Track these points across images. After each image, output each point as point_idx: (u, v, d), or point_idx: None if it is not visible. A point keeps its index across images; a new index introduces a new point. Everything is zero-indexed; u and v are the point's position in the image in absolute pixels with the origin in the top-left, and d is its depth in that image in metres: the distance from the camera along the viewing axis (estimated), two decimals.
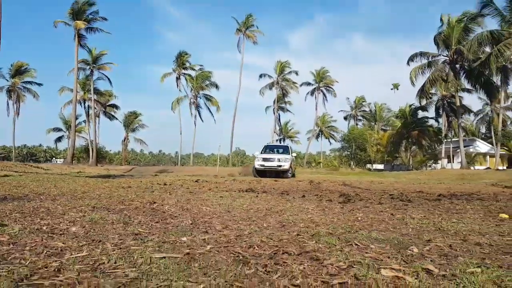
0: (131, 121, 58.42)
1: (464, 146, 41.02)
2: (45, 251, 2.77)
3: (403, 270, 2.16)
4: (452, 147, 47.62)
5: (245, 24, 48.60)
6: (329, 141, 65.63)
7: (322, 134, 62.96)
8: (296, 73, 53.70)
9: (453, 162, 48.65)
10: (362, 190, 10.94)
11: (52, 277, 2.16)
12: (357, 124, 61.96)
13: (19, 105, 48.90)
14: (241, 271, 2.21)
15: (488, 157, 52.22)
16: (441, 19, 37.69)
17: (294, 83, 54.05)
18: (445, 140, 49.38)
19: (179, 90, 50.81)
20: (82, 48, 39.22)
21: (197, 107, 51.29)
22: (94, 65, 44.20)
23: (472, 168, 40.95)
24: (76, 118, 43.08)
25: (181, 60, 50.24)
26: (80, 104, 50.05)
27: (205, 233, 3.46)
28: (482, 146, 54.42)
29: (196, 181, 14.04)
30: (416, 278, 2.04)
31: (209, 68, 53.12)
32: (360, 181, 17.94)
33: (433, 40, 37.75)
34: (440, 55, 38.27)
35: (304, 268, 2.25)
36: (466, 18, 35.72)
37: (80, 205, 5.63)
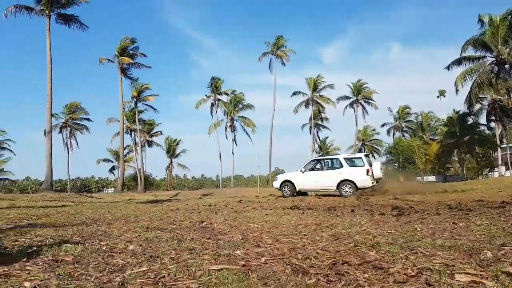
0: (173, 148, 60.36)
1: None
2: (107, 268, 2.86)
3: (480, 275, 1.99)
4: (510, 153, 44.35)
5: (276, 45, 49.18)
6: (373, 156, 63.26)
7: (364, 148, 61.14)
8: (331, 86, 52.87)
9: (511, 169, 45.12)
10: (415, 203, 10.40)
11: (121, 285, 2.20)
12: (403, 136, 59.39)
13: (71, 141, 52.50)
14: (302, 281, 2.15)
15: None
16: (480, 20, 35.93)
17: (329, 99, 53.27)
18: (501, 146, 46.15)
19: (216, 114, 52.03)
20: (126, 80, 41.62)
21: (233, 130, 52.07)
22: (138, 97, 46.60)
23: None
24: (124, 148, 45.30)
25: (214, 85, 51.63)
26: (129, 134, 52.68)
27: (257, 246, 3.41)
28: None
29: (239, 201, 14.08)
30: (496, 282, 1.87)
31: (242, 91, 53.63)
32: (412, 194, 17.04)
33: (472, 42, 35.95)
34: (485, 57, 36.38)
35: (369, 276, 2.14)
36: (511, 16, 33.82)
37: (134, 227, 5.80)
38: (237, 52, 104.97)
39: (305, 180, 18.22)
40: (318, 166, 18.41)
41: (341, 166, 17.17)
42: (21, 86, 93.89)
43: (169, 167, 60.84)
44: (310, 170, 18.31)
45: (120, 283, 2.32)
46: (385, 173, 18.71)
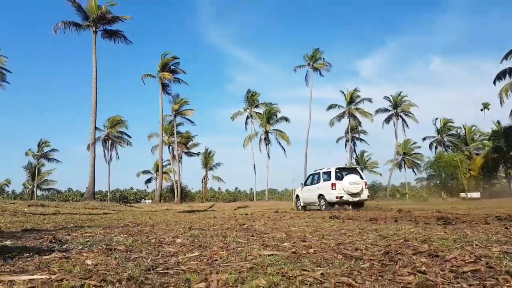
0: (208, 160, 61.37)
1: None
2: (160, 254, 2.99)
3: None
4: None
5: (312, 58, 49.18)
6: (414, 171, 60.85)
7: (404, 163, 59.09)
8: (370, 100, 51.86)
9: None
10: (461, 215, 9.95)
11: (174, 267, 2.30)
12: (445, 150, 56.81)
13: (111, 154, 54.88)
14: (356, 264, 2.15)
15: None
16: None
17: (367, 112, 52.22)
18: None
19: (251, 127, 52.51)
20: (165, 95, 43.21)
21: (268, 143, 52.18)
22: (178, 111, 48.13)
23: None
24: (163, 161, 46.69)
25: (251, 98, 52.24)
26: (168, 147, 54.31)
27: (303, 241, 3.43)
28: None
29: (275, 212, 14.07)
30: None
31: (277, 105, 53.73)
32: (457, 208, 16.31)
33: (509, 52, 34.16)
34: None
35: (426, 261, 2.11)
36: None
37: (177, 228, 5.96)
38: (273, 66, 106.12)
39: (302, 195, 17.82)
40: (312, 180, 17.42)
41: (318, 180, 16.31)
42: (63, 99, 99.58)
43: (204, 179, 61.81)
44: (306, 185, 17.71)
45: (176, 263, 2.42)
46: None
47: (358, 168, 16.25)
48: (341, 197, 14.75)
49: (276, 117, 52.27)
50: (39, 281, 1.99)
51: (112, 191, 69.30)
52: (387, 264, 2.07)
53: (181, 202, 44.34)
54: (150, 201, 60.03)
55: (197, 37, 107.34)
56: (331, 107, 52.01)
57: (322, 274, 1.87)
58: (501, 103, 35.27)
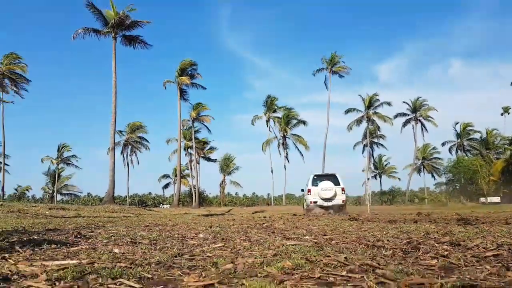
0: (227, 165, 61.65)
1: None
2: (184, 245, 3.08)
3: None
4: None
5: (331, 61, 48.97)
6: (433, 175, 59.60)
7: (424, 167, 57.96)
8: (389, 104, 51.11)
9: None
10: (481, 218, 9.76)
11: (200, 254, 2.38)
12: (466, 154, 55.49)
13: (131, 159, 55.85)
14: (378, 252, 2.18)
15: None
16: None
17: (386, 116, 51.59)
18: None
19: (269, 131, 52.59)
20: (184, 102, 43.82)
21: (285, 147, 52.08)
22: (196, 117, 48.68)
23: None
24: (181, 166, 47.18)
25: (270, 103, 52.37)
26: (185, 152, 54.91)
27: (324, 235, 3.46)
28: None
29: (293, 215, 14.05)
30: None
31: (295, 110, 53.72)
32: (477, 212, 15.95)
33: None
34: None
35: (448, 248, 2.13)
36: None
37: (198, 227, 6.06)
38: (291, 72, 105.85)
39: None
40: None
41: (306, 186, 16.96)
42: (83, 105, 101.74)
43: (222, 184, 62.04)
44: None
45: (201, 251, 2.49)
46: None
47: (337, 175, 16.51)
48: (315, 202, 15.90)
49: (294, 122, 52.16)
50: (71, 264, 2.10)
51: (131, 196, 70.36)
52: (410, 252, 2.10)
53: (199, 207, 44.63)
54: (168, 205, 60.62)
55: (214, 43, 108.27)
56: (349, 111, 51.54)
57: (345, 258, 1.92)
58: None
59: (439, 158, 57.69)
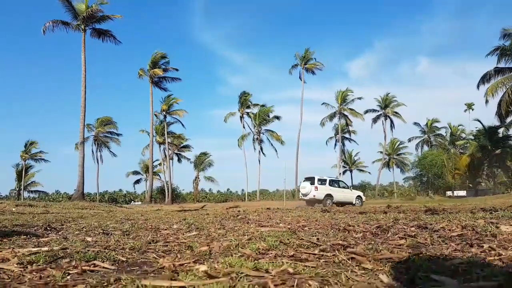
0: (201, 161, 61.12)
1: None
2: (158, 234, 3.05)
3: None
4: None
5: (304, 58, 49.49)
6: (401, 170, 61.71)
7: (393, 162, 59.79)
8: (360, 98, 52.42)
9: None
10: (448, 208, 10.21)
11: (174, 241, 2.37)
12: (432, 149, 57.72)
13: (101, 154, 54.31)
14: (349, 235, 2.25)
15: None
16: (506, 34, 34.77)
17: (357, 112, 52.82)
18: None
19: (243, 128, 52.54)
20: (156, 94, 43.05)
21: (260, 142, 52.27)
22: (168, 111, 47.87)
23: None
24: (153, 162, 46.38)
25: (243, 99, 52.30)
26: (159, 146, 54.00)
27: (298, 222, 3.52)
28: None
29: (267, 209, 14.17)
30: None
31: (267, 105, 54.11)
32: (444, 204, 16.66)
33: (499, 53, 34.92)
34: None
35: (415, 230, 2.22)
36: None
37: (171, 221, 6.00)
38: (265, 68, 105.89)
39: None
40: None
41: None
42: (51, 100, 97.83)
43: (196, 180, 61.52)
44: None
45: (175, 238, 2.49)
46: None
47: (315, 177, 22.27)
48: (299, 197, 23.97)
49: (269, 118, 52.41)
50: (42, 250, 2.04)
51: (101, 193, 68.53)
52: (379, 234, 2.18)
53: (172, 203, 44.09)
54: (140, 202, 59.56)
55: (187, 37, 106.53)
56: (324, 103, 52.47)
57: (318, 239, 1.97)
58: (486, 102, 35.90)
59: (407, 153, 59.70)
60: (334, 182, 23.47)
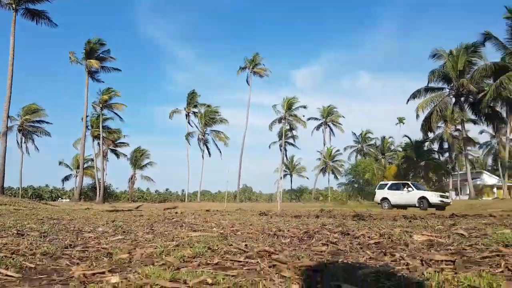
0: (138, 159, 58.76)
1: (472, 179, 40.55)
2: (79, 238, 2.85)
3: (435, 235, 2.22)
4: (460, 180, 47.10)
5: (252, 62, 50.02)
6: (335, 176, 65.04)
7: (328, 169, 62.65)
8: (304, 107, 54.46)
9: (461, 194, 47.86)
10: (374, 215, 10.90)
11: (95, 246, 2.24)
12: (364, 157, 61.64)
13: (26, 146, 49.86)
14: (278, 240, 2.29)
15: (495, 189, 51.42)
16: (436, 54, 38.27)
17: (300, 119, 54.74)
18: (452, 173, 48.96)
19: (189, 125, 51.51)
20: (93, 84, 40.43)
21: (205, 143, 51.68)
22: (106, 103, 45.21)
23: (480, 199, 40.26)
24: (87, 157, 43.57)
25: (191, 98, 51.33)
26: (93, 141, 50.85)
27: (232, 227, 3.52)
28: (488, 179, 53.82)
29: (207, 211, 14.02)
30: (448, 239, 2.10)
31: (212, 106, 53.92)
32: (371, 210, 17.77)
33: (430, 74, 38.43)
34: (444, 88, 38.88)
35: (338, 237, 2.32)
36: (466, 50, 36.45)
37: (98, 222, 5.68)
38: (213, 68, 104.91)
39: None
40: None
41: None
42: None
43: (132, 178, 59.00)
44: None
45: (97, 243, 2.35)
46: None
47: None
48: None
49: (215, 118, 52.04)
50: None
51: (24, 188, 63.03)
52: (305, 239, 2.24)
53: (103, 202, 41.83)
54: (68, 200, 55.70)
55: (133, 29, 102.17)
56: (274, 105, 54.21)
57: (246, 245, 1.97)
58: (417, 117, 39.26)
59: (342, 161, 63.10)
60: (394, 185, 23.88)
